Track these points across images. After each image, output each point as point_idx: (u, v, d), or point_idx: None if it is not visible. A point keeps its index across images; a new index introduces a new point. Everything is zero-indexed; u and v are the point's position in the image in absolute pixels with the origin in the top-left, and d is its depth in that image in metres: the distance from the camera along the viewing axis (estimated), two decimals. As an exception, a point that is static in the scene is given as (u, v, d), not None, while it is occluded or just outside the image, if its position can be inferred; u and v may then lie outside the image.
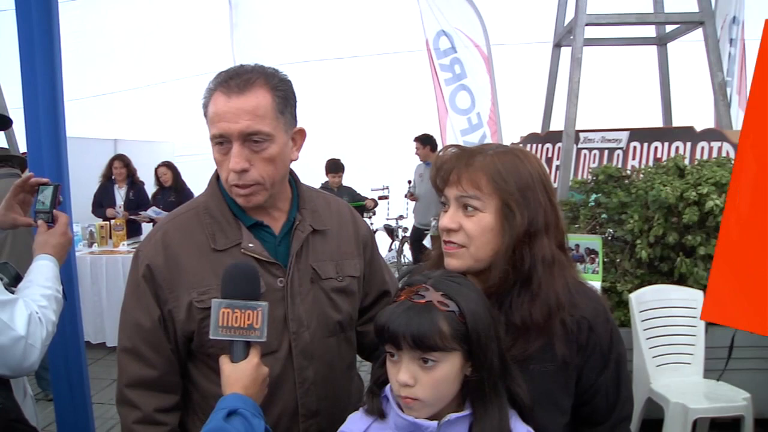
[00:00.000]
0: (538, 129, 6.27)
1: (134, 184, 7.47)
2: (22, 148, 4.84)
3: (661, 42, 5.93)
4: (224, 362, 1.28)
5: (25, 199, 1.99)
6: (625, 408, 1.41)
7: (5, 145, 5.30)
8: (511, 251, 1.29)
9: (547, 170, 1.34)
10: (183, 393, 1.56)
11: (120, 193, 7.40)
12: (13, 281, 1.64)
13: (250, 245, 1.48)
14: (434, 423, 1.19)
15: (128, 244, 6.45)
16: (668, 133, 5.17)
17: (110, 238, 6.61)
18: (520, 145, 6.01)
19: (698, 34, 5.10)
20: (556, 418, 1.34)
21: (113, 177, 7.40)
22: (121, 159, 7.46)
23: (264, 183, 1.44)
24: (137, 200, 7.37)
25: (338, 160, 7.67)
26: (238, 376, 1.25)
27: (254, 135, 1.38)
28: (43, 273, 1.74)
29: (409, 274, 1.35)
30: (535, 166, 1.34)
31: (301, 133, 1.54)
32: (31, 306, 1.58)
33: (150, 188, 7.70)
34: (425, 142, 7.49)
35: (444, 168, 1.36)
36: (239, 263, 1.38)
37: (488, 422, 1.19)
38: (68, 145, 2.88)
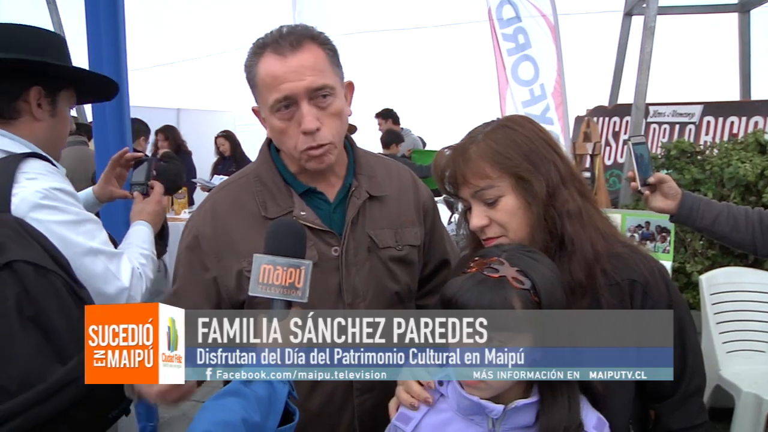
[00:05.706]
0: (605, 102, 6.07)
1: (181, 153, 7.08)
2: (90, 117, 4.98)
3: (743, 9, 5.59)
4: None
5: (121, 174, 2.09)
6: (694, 380, 1.31)
7: (74, 113, 5.46)
8: (543, 218, 1.26)
9: (544, 127, 1.33)
10: None
11: None
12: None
13: (302, 213, 1.43)
14: (500, 406, 1.13)
15: (189, 212, 6.58)
16: (747, 106, 4.90)
17: (172, 205, 6.75)
18: (586, 117, 5.82)
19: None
20: (620, 393, 1.25)
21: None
22: (163, 132, 7.15)
23: (334, 141, 1.41)
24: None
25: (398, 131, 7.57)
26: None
27: (321, 90, 1.35)
28: (140, 236, 1.85)
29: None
30: (528, 128, 1.31)
31: (351, 87, 1.50)
32: (134, 261, 1.68)
33: (211, 158, 7.76)
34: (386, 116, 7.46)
35: (446, 174, 1.34)
36: (285, 220, 1.34)
37: (556, 411, 1.12)
38: (132, 114, 2.94)
